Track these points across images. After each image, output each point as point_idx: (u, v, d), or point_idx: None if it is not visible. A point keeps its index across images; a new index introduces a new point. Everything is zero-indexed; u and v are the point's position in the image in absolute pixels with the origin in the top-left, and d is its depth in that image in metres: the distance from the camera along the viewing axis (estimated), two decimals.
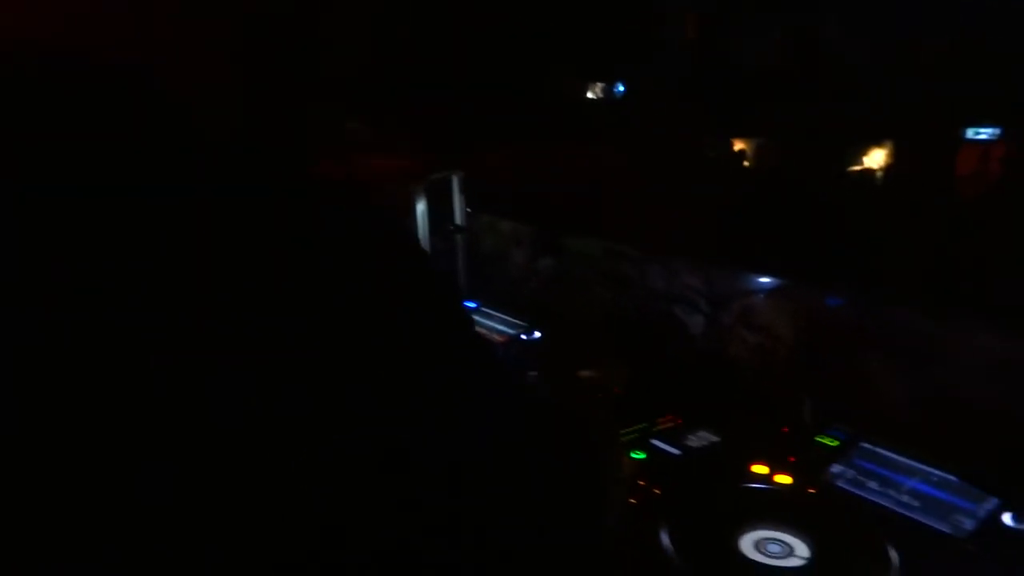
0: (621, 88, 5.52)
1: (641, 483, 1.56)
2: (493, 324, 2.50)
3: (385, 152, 3.00)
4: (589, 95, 5.61)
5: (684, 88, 5.11)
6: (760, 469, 1.61)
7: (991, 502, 1.48)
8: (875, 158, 7.08)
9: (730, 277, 2.41)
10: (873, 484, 1.57)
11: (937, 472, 1.58)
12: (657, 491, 1.54)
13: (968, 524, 1.43)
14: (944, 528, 1.43)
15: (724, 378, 2.11)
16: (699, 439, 1.77)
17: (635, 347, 2.29)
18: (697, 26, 5.25)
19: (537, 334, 2.38)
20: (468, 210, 2.83)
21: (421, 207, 2.68)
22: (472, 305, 2.62)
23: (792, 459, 1.66)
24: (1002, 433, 1.67)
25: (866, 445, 1.69)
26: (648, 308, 2.43)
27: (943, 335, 1.91)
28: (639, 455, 1.69)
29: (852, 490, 1.56)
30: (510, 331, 2.44)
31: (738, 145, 6.80)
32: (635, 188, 4.09)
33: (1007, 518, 1.44)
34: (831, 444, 1.71)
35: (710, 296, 2.35)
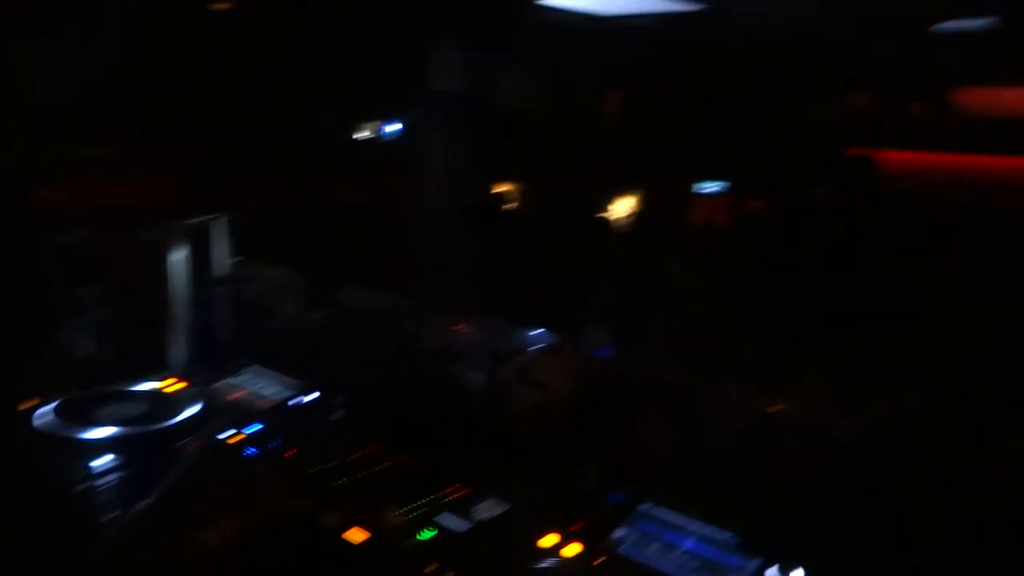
0: (397, 128, 5.46)
1: (431, 567, 1.47)
2: (259, 386, 2.29)
3: (137, 182, 2.68)
4: (362, 134, 5.48)
5: (449, 132, 5.15)
6: (550, 540, 1.59)
7: (758, 557, 1.56)
8: (623, 208, 7.45)
9: (509, 332, 2.42)
10: (655, 547, 1.61)
11: (710, 529, 1.64)
12: (450, 574, 1.45)
13: None
14: None
15: (508, 439, 2.08)
16: (487, 509, 1.72)
17: (416, 408, 2.20)
18: (463, 74, 5.34)
19: (307, 398, 2.22)
20: (233, 259, 2.60)
21: (181, 254, 2.41)
22: (239, 364, 2.39)
23: (579, 526, 1.65)
24: (759, 484, 1.79)
25: (646, 506, 1.72)
26: (428, 366, 2.36)
27: (704, 390, 2.03)
28: (427, 534, 1.59)
29: (636, 555, 1.58)
30: (282, 394, 2.25)
31: (501, 190, 6.94)
32: (412, 236, 4.03)
33: (772, 572, 1.52)
34: (614, 507, 1.73)
35: (490, 352, 2.33)
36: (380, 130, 5.84)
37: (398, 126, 5.85)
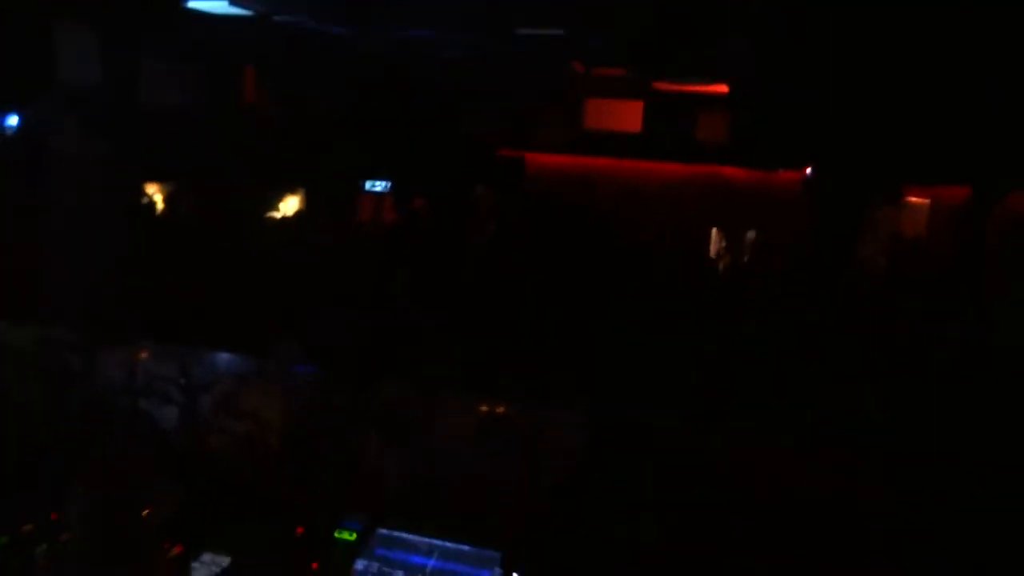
0: (12, 122, 4.63)
1: None
2: None
3: None
4: None
5: (90, 128, 4.54)
6: None
7: (496, 563, 1.59)
8: (290, 209, 7.22)
9: (203, 358, 2.18)
10: (399, 573, 1.56)
11: (450, 544, 1.64)
12: None
13: None
14: None
15: (217, 480, 1.87)
16: (206, 565, 1.53)
17: (93, 456, 1.88)
18: (101, 67, 4.73)
19: None
20: None
21: None
22: None
23: (315, 566, 1.54)
24: (494, 491, 1.83)
25: (383, 531, 1.67)
26: (104, 405, 2.03)
27: (430, 407, 2.02)
28: None
29: None
30: None
31: (153, 191, 6.32)
32: (55, 252, 3.44)
33: None
34: (349, 538, 1.64)
35: (184, 383, 2.08)
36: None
37: (14, 119, 4.95)
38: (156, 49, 5.13)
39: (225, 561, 1.55)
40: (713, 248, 7.86)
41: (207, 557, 1.56)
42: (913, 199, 7.00)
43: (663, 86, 6.72)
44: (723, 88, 6.48)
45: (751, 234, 7.70)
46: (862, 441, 1.82)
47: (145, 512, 1.32)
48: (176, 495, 1.41)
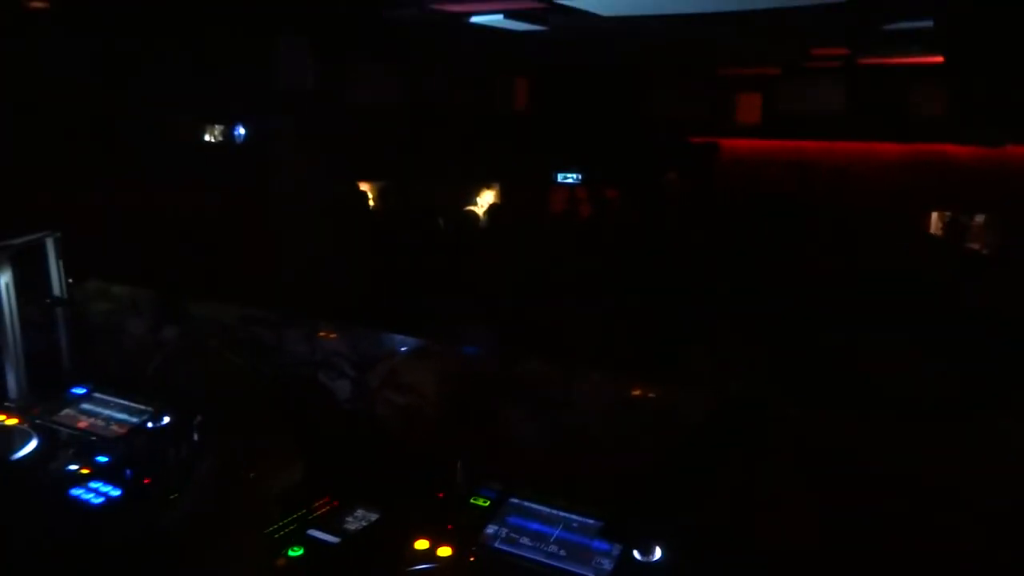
0: (242, 131, 5.27)
1: None
2: (110, 412, 2.16)
3: None
4: (207, 138, 5.25)
5: (303, 133, 5.05)
6: (422, 544, 1.60)
7: (623, 539, 1.63)
8: (484, 203, 7.58)
9: (373, 338, 2.40)
10: (525, 540, 1.65)
11: (577, 518, 1.70)
12: None
13: (607, 565, 1.57)
14: (589, 573, 1.55)
15: (376, 445, 2.07)
16: (357, 520, 1.71)
17: (281, 421, 2.15)
18: (314, 73, 5.23)
19: (167, 419, 2.11)
20: (70, 280, 2.42)
21: (4, 279, 2.23)
22: (81, 391, 2.24)
23: (450, 527, 1.67)
24: (624, 468, 1.87)
25: (515, 500, 1.76)
26: (290, 376, 2.31)
27: (571, 382, 2.09)
28: (296, 551, 1.57)
29: (507, 549, 1.62)
30: (132, 419, 2.13)
31: (363, 188, 6.86)
32: (265, 243, 3.91)
33: (636, 554, 1.60)
34: (483, 504, 1.76)
35: (355, 359, 2.31)
36: (230, 133, 5.62)
37: (244, 130, 5.65)
38: (361, 55, 5.60)
39: (374, 516, 1.72)
40: (935, 233, 7.16)
41: (360, 512, 1.73)
42: None
43: (870, 61, 6.23)
44: (937, 59, 5.88)
45: (978, 217, 6.94)
46: None
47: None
48: (295, 468, 1.59)
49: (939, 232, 7.04)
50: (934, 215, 7.01)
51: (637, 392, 2.16)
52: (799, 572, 1.51)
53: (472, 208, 8.09)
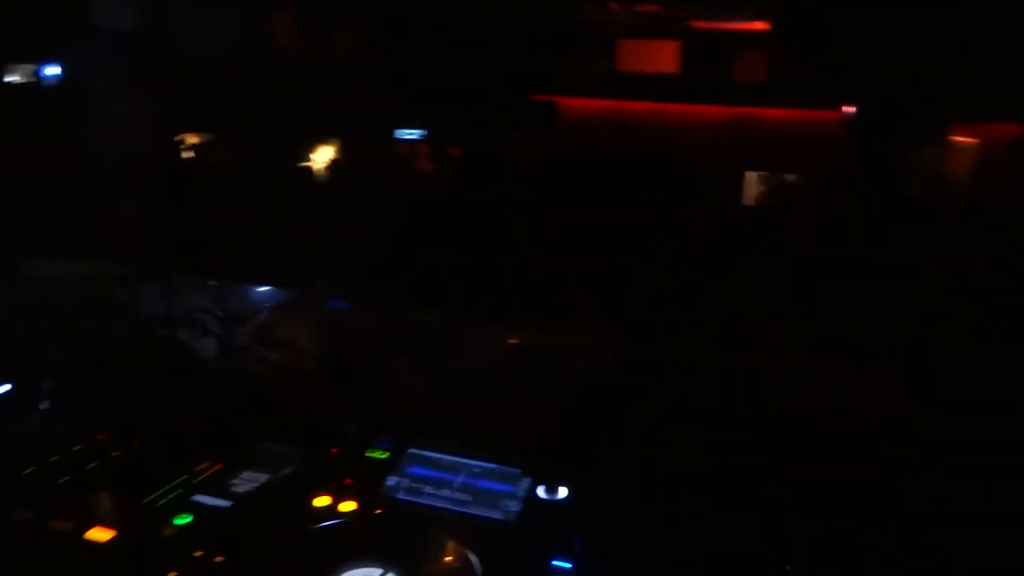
0: (55, 72, 4.71)
1: (198, 554, 1.34)
2: None
3: None
4: (12, 78, 4.66)
5: (122, 78, 4.60)
6: (322, 501, 1.53)
7: (526, 481, 1.64)
8: (325, 156, 7.32)
9: (240, 292, 2.24)
10: (428, 488, 1.62)
11: (479, 463, 1.69)
12: (220, 558, 1.33)
13: (514, 506, 1.57)
14: (497, 515, 1.54)
15: (254, 404, 1.94)
16: (246, 482, 1.60)
17: (143, 384, 1.96)
18: (134, 13, 4.76)
19: (5, 387, 1.88)
20: None
21: None
22: None
23: (349, 481, 1.61)
24: (517, 411, 1.88)
25: (413, 450, 1.72)
26: (148, 336, 2.12)
27: (458, 329, 2.06)
28: (184, 519, 1.44)
29: (412, 499, 1.58)
30: None
31: (189, 139, 6.41)
32: (107, 195, 3.54)
33: (541, 491, 1.61)
34: (381, 456, 1.70)
35: (220, 315, 2.15)
36: (36, 73, 5.00)
37: (57, 69, 5.04)
38: None
39: (264, 477, 1.62)
40: (751, 191, 7.75)
41: (247, 474, 1.63)
42: (961, 138, 6.81)
43: (701, 24, 6.56)
44: (763, 25, 6.30)
45: (790, 176, 7.57)
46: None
47: None
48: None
49: (758, 190, 7.58)
50: (753, 174, 7.54)
51: (519, 339, 2.17)
52: (699, 503, 1.57)
53: (309, 164, 7.78)
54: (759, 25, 6.42)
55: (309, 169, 7.31)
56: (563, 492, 1.60)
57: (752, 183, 7.61)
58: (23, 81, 4.85)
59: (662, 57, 7.19)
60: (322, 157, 8.29)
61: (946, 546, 1.38)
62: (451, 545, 1.41)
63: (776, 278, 3.32)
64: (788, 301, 2.95)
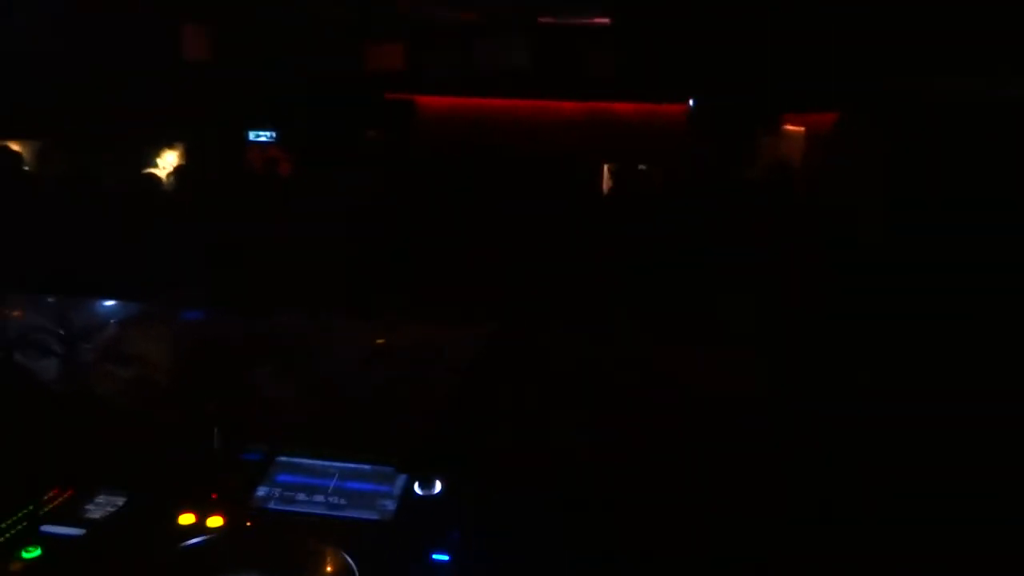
0: None
1: None
2: None
3: None
4: None
5: None
6: (187, 519, 1.46)
7: (401, 479, 1.63)
8: (168, 160, 6.99)
9: (81, 308, 2.10)
10: (301, 495, 1.58)
11: (351, 465, 1.67)
12: None
13: (390, 505, 1.56)
14: (373, 516, 1.53)
15: (105, 425, 1.82)
16: (101, 507, 1.50)
17: None
18: None
19: None
20: None
21: None
22: None
23: (215, 496, 1.54)
24: (387, 410, 1.87)
25: (282, 458, 1.68)
26: None
27: (321, 332, 2.03)
28: (32, 553, 1.34)
29: (284, 508, 1.54)
30: None
31: (13, 147, 5.96)
32: None
33: (416, 488, 1.61)
34: (248, 466, 1.64)
35: (61, 333, 2.00)
36: None
37: None
38: None
39: (121, 500, 1.52)
40: (605, 182, 8.02)
41: (102, 498, 1.53)
42: (790, 127, 7.31)
43: (549, 20, 6.73)
44: (605, 21, 6.55)
45: (640, 166, 7.90)
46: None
47: None
48: None
49: (609, 180, 7.84)
50: (605, 166, 7.78)
51: (384, 338, 2.16)
52: (578, 497, 1.61)
53: (152, 171, 7.36)
54: (604, 21, 6.66)
55: (151, 176, 6.92)
56: (438, 487, 1.60)
57: (608, 175, 7.84)
58: None
59: (515, 54, 7.28)
60: (165, 163, 7.85)
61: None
62: (328, 551, 1.39)
63: (634, 267, 3.48)
64: (645, 288, 3.09)
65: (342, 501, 1.57)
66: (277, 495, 1.58)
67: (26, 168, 6.26)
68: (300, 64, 6.65)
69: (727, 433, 1.64)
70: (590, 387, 1.74)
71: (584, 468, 1.60)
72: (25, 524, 1.41)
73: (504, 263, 3.57)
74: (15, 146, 6.42)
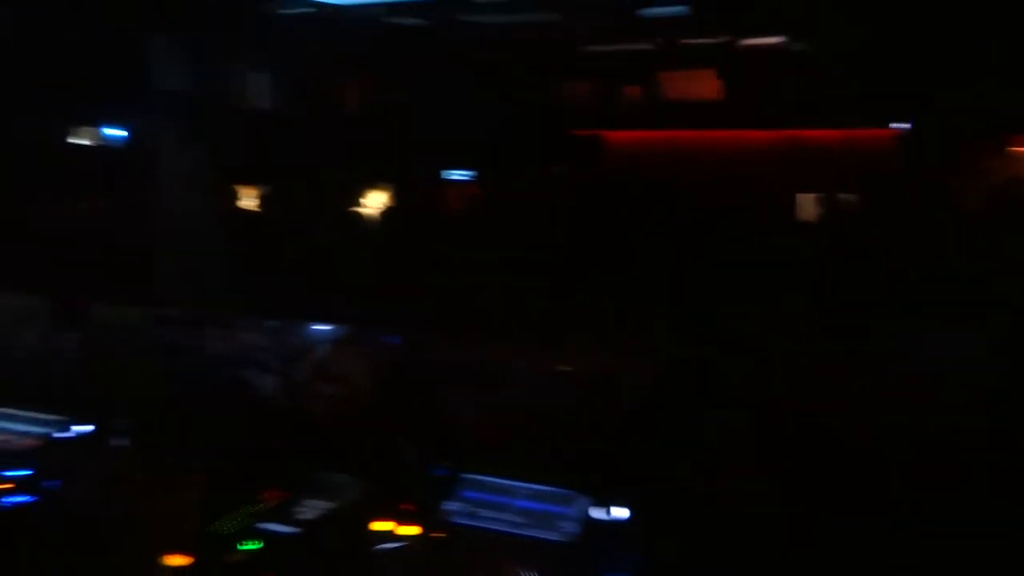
0: (116, 134, 4.96)
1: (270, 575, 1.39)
2: (13, 426, 1.99)
3: None
4: (81, 142, 4.92)
5: (186, 135, 4.83)
6: (384, 526, 1.56)
7: (582, 502, 1.65)
8: (376, 200, 7.47)
9: (295, 332, 2.31)
10: (486, 512, 1.64)
11: (534, 486, 1.71)
12: None
13: (571, 527, 1.58)
14: (555, 537, 1.56)
15: (313, 437, 2.00)
16: (311, 509, 1.65)
17: (210, 421, 2.04)
18: (192, 73, 5.01)
19: (79, 428, 1.97)
20: None
21: None
22: None
23: (410, 507, 1.64)
24: (567, 434, 1.89)
25: (468, 476, 1.75)
26: (212, 376, 2.20)
27: (502, 359, 2.09)
28: (254, 545, 1.49)
29: (470, 522, 1.61)
30: (40, 430, 1.97)
31: (247, 193, 6.64)
32: (157, 247, 3.71)
33: (597, 512, 1.62)
34: (438, 482, 1.73)
35: (279, 354, 2.22)
36: (102, 137, 5.27)
37: (122, 132, 5.32)
38: (244, 54, 5.41)
39: (328, 505, 1.66)
40: (804, 215, 7.62)
41: (310, 502, 1.67)
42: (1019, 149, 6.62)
43: (740, 48, 6.55)
44: (804, 46, 6.28)
45: (845, 197, 7.43)
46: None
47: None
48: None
49: (812, 213, 7.46)
50: (804, 196, 7.44)
51: (569, 366, 2.19)
52: (759, 528, 1.56)
53: (358, 209, 7.96)
54: (795, 46, 6.39)
55: (359, 213, 7.50)
56: (619, 513, 1.60)
57: (806, 205, 7.46)
58: (89, 143, 5.12)
59: (704, 85, 7.17)
60: (373, 201, 8.48)
61: None
62: (512, 566, 1.43)
63: (841, 302, 3.28)
64: (847, 323, 2.91)
65: (524, 520, 1.61)
66: (464, 510, 1.65)
67: (253, 208, 7.02)
68: (492, 104, 6.97)
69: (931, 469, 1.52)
70: (780, 418, 1.67)
71: (769, 497, 1.54)
72: (246, 521, 1.57)
73: (694, 296, 3.51)
74: (246, 189, 7.22)
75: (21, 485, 1.69)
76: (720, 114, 6.70)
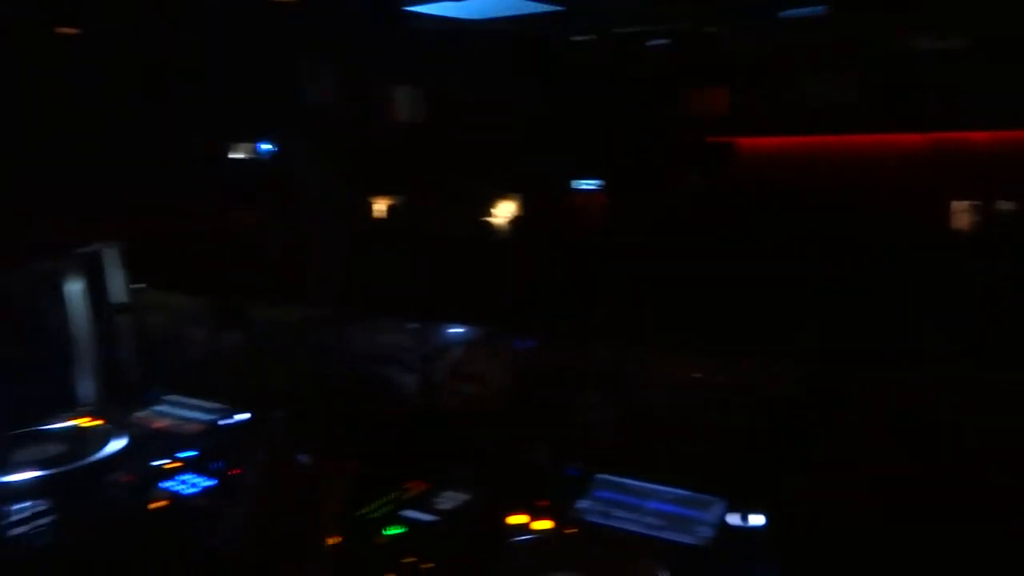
0: (269, 147, 5.33)
1: (410, 559, 1.46)
2: (183, 412, 2.19)
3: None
4: (234, 155, 5.32)
5: (326, 148, 5.12)
6: (519, 519, 1.61)
7: (718, 507, 1.64)
8: (506, 209, 7.64)
9: (433, 332, 2.41)
10: (619, 512, 1.66)
11: (668, 489, 1.71)
12: (429, 564, 1.45)
13: (706, 531, 1.58)
14: (690, 540, 1.55)
15: (453, 433, 2.08)
16: (450, 500, 1.72)
17: (356, 415, 2.17)
18: (336, 89, 5.31)
19: (239, 417, 2.14)
20: (133, 286, 2.46)
21: (75, 286, 2.26)
22: (153, 394, 2.27)
23: (544, 503, 1.68)
24: (704, 441, 1.88)
25: (602, 476, 1.77)
26: (358, 373, 2.33)
27: (637, 364, 2.10)
28: (397, 530, 1.58)
29: (604, 521, 1.63)
30: (205, 417, 2.16)
31: (383, 202, 6.94)
32: (321, 249, 3.96)
33: (733, 518, 1.60)
34: (571, 481, 1.77)
35: (420, 353, 2.32)
36: (255, 149, 5.69)
37: (270, 145, 5.72)
38: (385, 69, 5.70)
39: (465, 496, 1.73)
40: (958, 224, 7.14)
41: (449, 494, 1.75)
42: None
43: (884, 48, 6.24)
44: (957, 45, 5.90)
45: (1004, 204, 6.91)
46: None
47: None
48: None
49: (966, 222, 7.00)
50: (959, 204, 6.99)
51: (703, 372, 2.17)
52: (895, 541, 1.50)
53: (487, 219, 8.15)
54: (951, 45, 6.03)
55: (490, 223, 7.66)
56: (756, 520, 1.58)
57: (960, 212, 6.99)
58: (243, 156, 5.54)
59: (842, 88, 6.88)
60: (503, 212, 8.63)
61: None
62: (646, 564, 1.44)
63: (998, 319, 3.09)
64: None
65: (659, 522, 1.62)
66: (597, 508, 1.67)
67: (392, 218, 7.33)
68: (622, 112, 6.98)
69: None
70: (909, 430, 1.60)
71: (902, 510, 1.48)
72: (390, 508, 1.66)
73: (835, 308, 3.39)
74: (385, 200, 7.55)
75: (189, 464, 1.85)
76: (863, 117, 6.40)
